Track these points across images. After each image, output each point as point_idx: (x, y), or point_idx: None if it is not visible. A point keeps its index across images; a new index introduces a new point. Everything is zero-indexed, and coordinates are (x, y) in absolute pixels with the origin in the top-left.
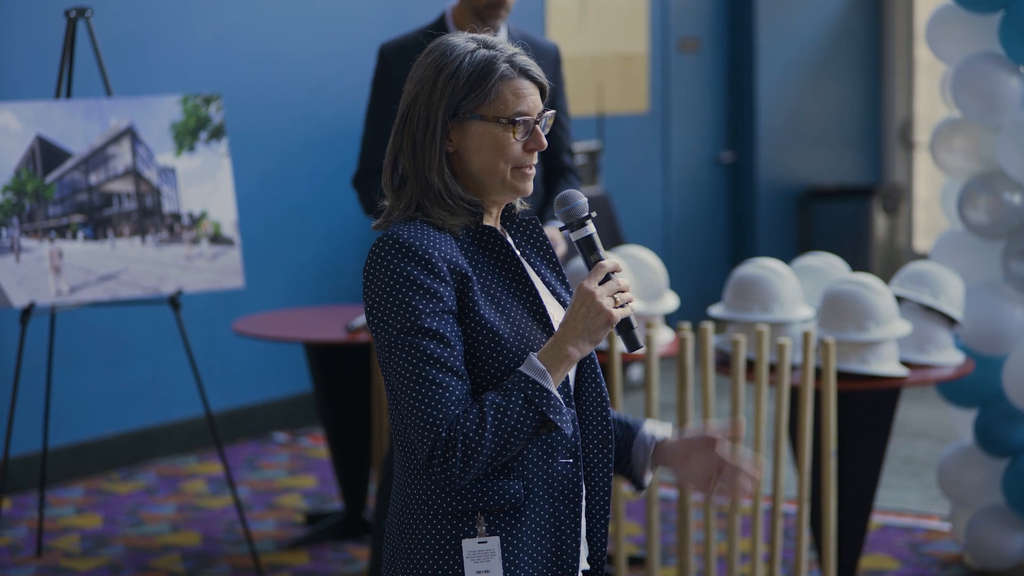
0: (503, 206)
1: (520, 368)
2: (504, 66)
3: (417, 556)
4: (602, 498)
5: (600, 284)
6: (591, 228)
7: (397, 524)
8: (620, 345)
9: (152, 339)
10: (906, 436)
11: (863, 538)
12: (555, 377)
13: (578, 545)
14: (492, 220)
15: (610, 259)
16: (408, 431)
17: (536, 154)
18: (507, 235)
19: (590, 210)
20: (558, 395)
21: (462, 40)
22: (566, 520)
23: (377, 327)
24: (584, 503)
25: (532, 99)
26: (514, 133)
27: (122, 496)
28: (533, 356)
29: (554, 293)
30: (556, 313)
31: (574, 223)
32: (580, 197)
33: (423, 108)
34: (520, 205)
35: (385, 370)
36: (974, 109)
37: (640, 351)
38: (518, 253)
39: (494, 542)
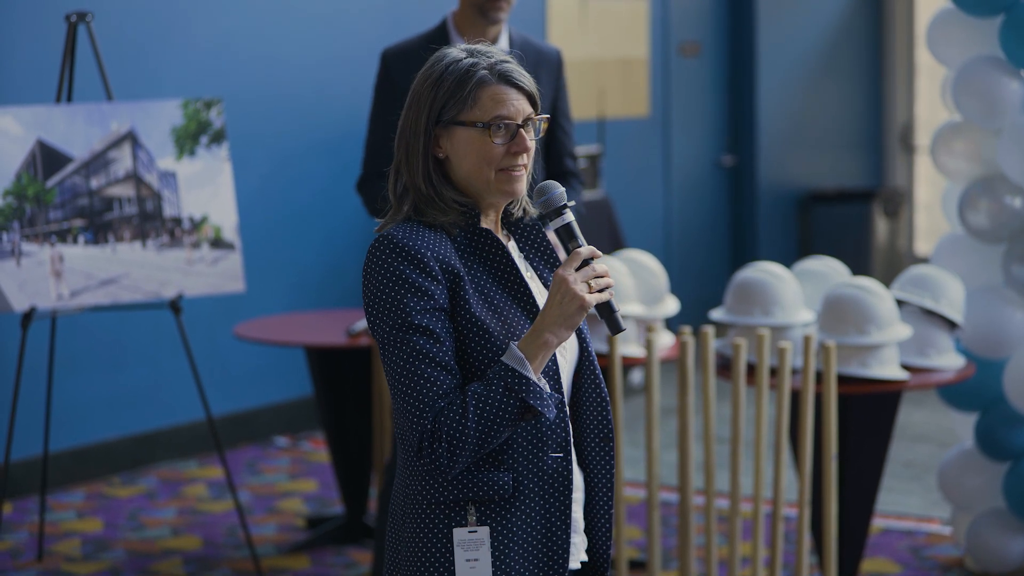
0: (501, 209)
1: (501, 358)
2: (483, 72)
3: (412, 544)
4: (604, 494)
5: (577, 270)
6: (569, 216)
7: (399, 515)
8: (622, 349)
9: (153, 343)
10: (907, 440)
11: (864, 542)
12: (535, 364)
13: (568, 537)
14: (489, 222)
15: (587, 247)
16: (400, 423)
17: (523, 156)
18: (510, 238)
19: (568, 200)
20: (538, 381)
21: (455, 51)
22: (556, 513)
23: (374, 324)
24: (583, 498)
25: (515, 104)
26: (492, 137)
27: (123, 500)
28: (513, 345)
29: None
30: None
31: (552, 212)
32: (557, 187)
33: (413, 116)
34: (527, 210)
35: (383, 366)
36: (975, 112)
37: (623, 334)
38: (513, 255)
39: (484, 532)
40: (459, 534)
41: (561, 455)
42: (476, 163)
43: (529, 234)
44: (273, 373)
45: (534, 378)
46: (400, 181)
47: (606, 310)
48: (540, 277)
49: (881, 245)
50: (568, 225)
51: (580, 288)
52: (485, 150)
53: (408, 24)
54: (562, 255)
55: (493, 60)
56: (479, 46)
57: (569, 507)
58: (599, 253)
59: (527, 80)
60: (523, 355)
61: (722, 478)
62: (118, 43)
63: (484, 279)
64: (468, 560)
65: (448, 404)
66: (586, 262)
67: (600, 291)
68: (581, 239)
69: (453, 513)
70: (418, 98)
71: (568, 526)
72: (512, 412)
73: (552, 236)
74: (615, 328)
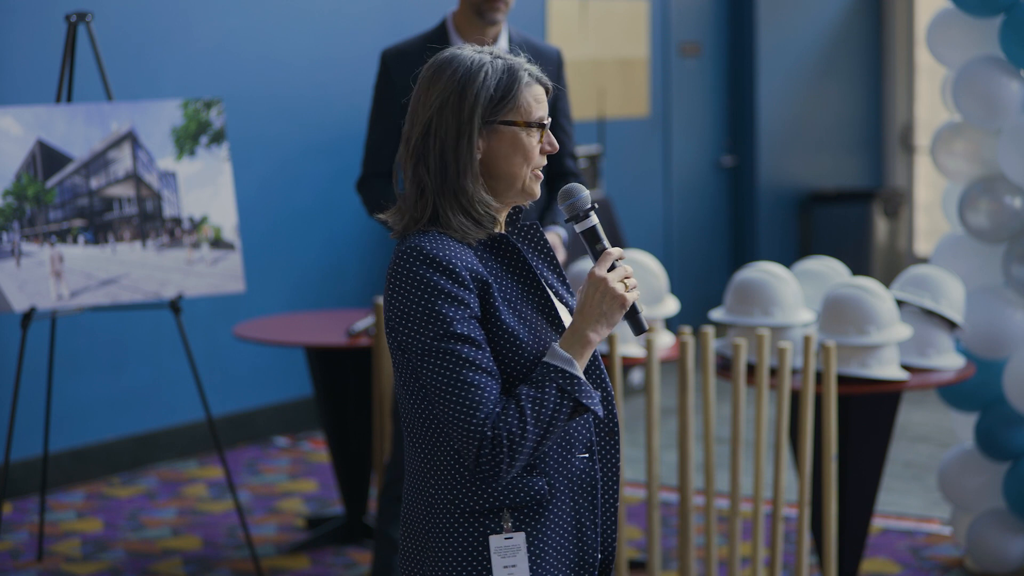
0: (507, 212)
1: (545, 359)
2: (525, 73)
3: (445, 554)
4: (611, 488)
5: (609, 271)
6: (594, 219)
7: (421, 524)
8: (622, 349)
9: (153, 343)
10: (907, 440)
11: (864, 542)
12: (580, 363)
13: (597, 536)
14: (499, 227)
15: (616, 248)
16: (450, 435)
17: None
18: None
19: (592, 203)
20: (586, 380)
21: (471, 51)
22: (585, 513)
23: (407, 337)
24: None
25: (544, 104)
26: (540, 137)
27: (123, 500)
28: (556, 346)
29: (557, 295)
30: (563, 315)
31: (579, 215)
32: (583, 190)
33: (452, 117)
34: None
35: (414, 378)
36: (975, 113)
37: (625, 334)
38: (529, 259)
39: (520, 537)
40: (495, 541)
41: (587, 456)
42: (519, 163)
43: (528, 235)
44: (273, 373)
45: (583, 377)
46: (421, 187)
47: (631, 311)
48: (542, 277)
49: (881, 245)
50: (594, 228)
51: (619, 287)
52: (529, 150)
53: (408, 25)
54: (561, 256)
55: (521, 59)
56: (490, 47)
57: (597, 506)
58: (624, 254)
59: (547, 81)
60: (569, 355)
61: (722, 478)
62: (118, 43)
63: (507, 285)
64: (506, 567)
65: (504, 409)
66: (613, 262)
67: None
68: (606, 240)
69: (488, 520)
70: (458, 98)
71: (596, 525)
72: (566, 413)
73: (553, 237)
74: (639, 328)
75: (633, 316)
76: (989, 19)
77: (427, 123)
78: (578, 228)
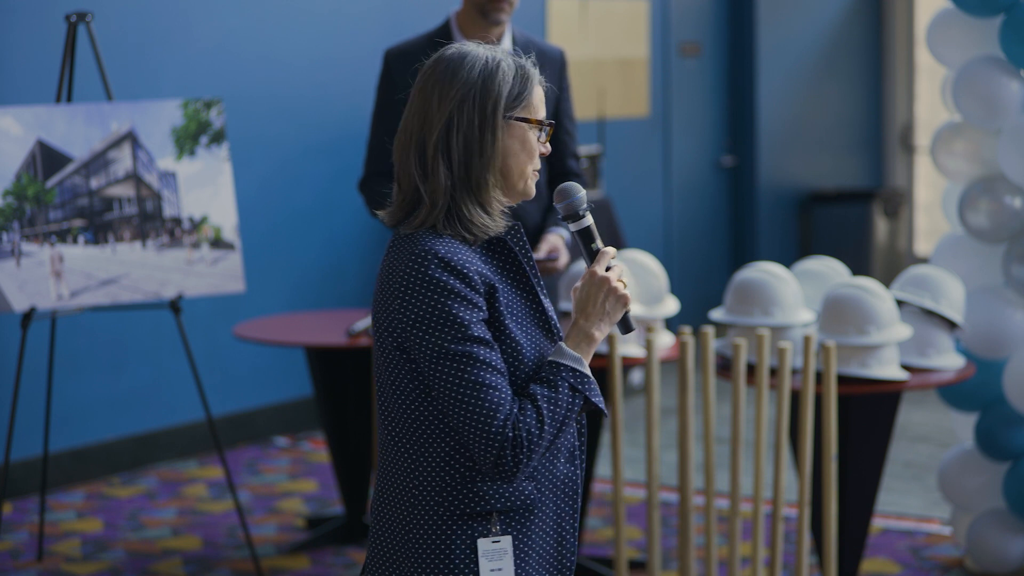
0: None
1: (553, 358)
2: (535, 72)
3: (428, 556)
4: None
5: (607, 270)
6: (589, 219)
7: (401, 525)
8: (622, 349)
9: (153, 343)
10: (907, 440)
11: (864, 542)
12: (586, 362)
13: (576, 540)
14: None
15: (610, 247)
16: (467, 436)
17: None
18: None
19: (588, 202)
20: (594, 379)
21: (480, 48)
22: (567, 518)
23: (420, 339)
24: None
25: (544, 106)
26: (549, 136)
27: (123, 500)
28: (563, 345)
29: None
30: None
31: (575, 215)
32: (580, 190)
33: (475, 111)
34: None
35: (410, 379)
36: (975, 113)
37: (632, 332)
38: (524, 263)
39: (507, 541)
40: (483, 544)
41: (570, 465)
42: (524, 161)
43: (514, 237)
44: (273, 373)
45: (591, 375)
46: (441, 183)
47: None
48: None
49: (881, 245)
50: (589, 227)
51: (620, 287)
52: (534, 149)
53: (409, 25)
54: (563, 258)
55: (525, 59)
56: (490, 45)
57: (578, 512)
58: (616, 253)
59: (546, 84)
60: (577, 354)
61: (722, 478)
62: (118, 43)
63: (506, 289)
64: (493, 570)
65: (520, 409)
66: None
67: None
68: (599, 240)
69: (476, 524)
70: (480, 92)
71: (576, 530)
72: (576, 411)
73: (556, 238)
74: (627, 328)
75: (624, 316)
76: (989, 19)
77: (448, 119)
78: (573, 227)
